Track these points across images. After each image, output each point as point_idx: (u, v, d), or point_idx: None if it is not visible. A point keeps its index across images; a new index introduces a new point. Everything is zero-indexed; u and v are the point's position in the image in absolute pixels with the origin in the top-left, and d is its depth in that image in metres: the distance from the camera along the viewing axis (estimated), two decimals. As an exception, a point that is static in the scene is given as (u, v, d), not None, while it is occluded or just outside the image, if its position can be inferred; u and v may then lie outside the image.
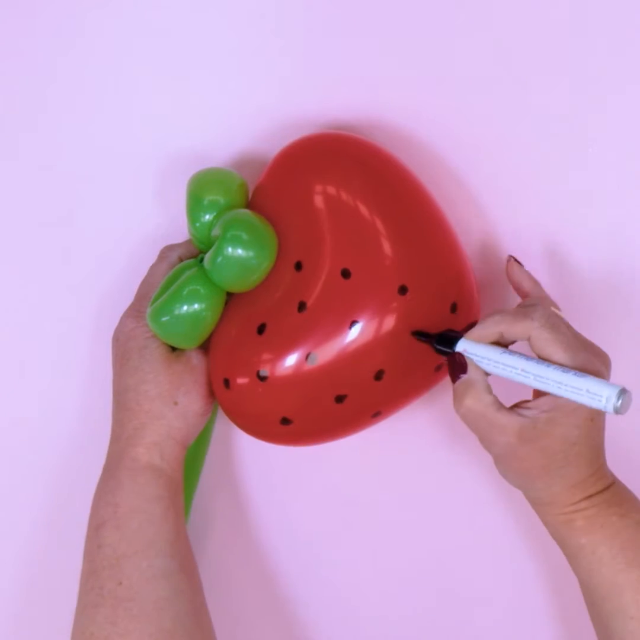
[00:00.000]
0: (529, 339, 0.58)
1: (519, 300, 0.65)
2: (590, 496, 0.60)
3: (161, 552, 0.63)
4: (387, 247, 0.62)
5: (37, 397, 0.74)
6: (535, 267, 0.65)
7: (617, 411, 0.55)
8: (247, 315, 0.64)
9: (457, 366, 0.60)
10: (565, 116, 0.68)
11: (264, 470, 0.73)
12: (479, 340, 0.60)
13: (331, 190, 0.63)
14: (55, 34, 0.70)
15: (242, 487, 0.73)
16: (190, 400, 0.66)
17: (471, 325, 0.61)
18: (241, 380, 0.63)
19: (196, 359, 0.67)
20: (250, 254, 0.63)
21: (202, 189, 0.66)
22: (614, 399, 0.54)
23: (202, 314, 0.64)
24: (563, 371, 0.56)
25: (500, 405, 0.59)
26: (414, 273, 0.62)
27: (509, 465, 0.60)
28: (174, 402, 0.65)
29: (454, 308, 0.63)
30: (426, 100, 0.69)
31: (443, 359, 0.63)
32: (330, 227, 0.63)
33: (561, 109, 0.68)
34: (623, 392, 0.55)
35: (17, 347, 0.74)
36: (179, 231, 0.70)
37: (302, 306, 0.62)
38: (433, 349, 0.62)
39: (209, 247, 0.65)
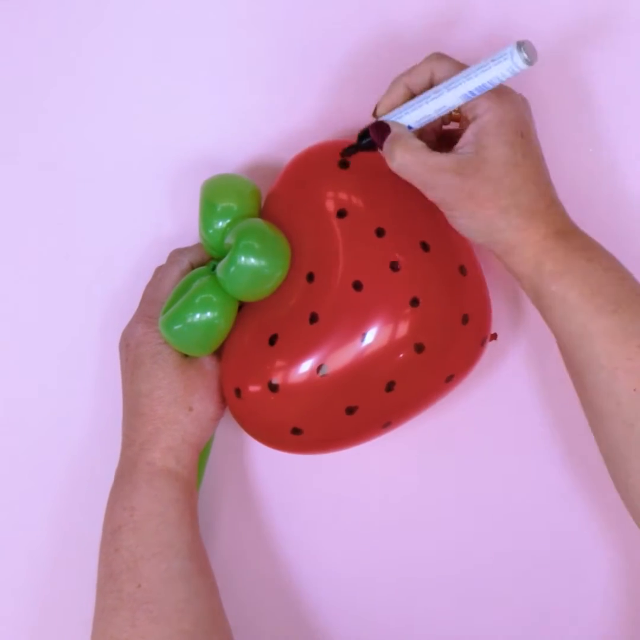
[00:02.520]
0: (432, 76, 0.60)
1: (530, 307, 0.65)
2: (556, 233, 0.59)
3: (179, 554, 0.63)
4: (399, 258, 0.62)
5: (45, 402, 0.74)
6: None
7: (528, 61, 0.55)
8: (259, 325, 0.64)
9: (379, 132, 0.61)
10: (566, 114, 0.68)
11: (269, 470, 0.73)
12: (390, 108, 0.61)
13: (344, 201, 0.63)
14: (64, 36, 0.71)
15: (246, 486, 0.73)
16: (204, 406, 0.66)
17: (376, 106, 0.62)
18: (252, 390, 0.64)
19: (209, 365, 0.67)
20: (263, 263, 0.63)
21: (215, 195, 0.66)
22: (515, 50, 0.55)
23: (215, 322, 0.64)
24: (467, 69, 0.58)
25: (430, 148, 0.59)
26: (425, 285, 0.62)
27: (463, 208, 0.59)
28: (189, 407, 0.66)
29: (465, 319, 0.63)
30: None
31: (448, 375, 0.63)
32: (342, 237, 0.63)
33: (562, 106, 0.68)
34: (522, 42, 0.55)
35: (23, 351, 0.74)
36: (190, 235, 0.70)
37: (314, 318, 0.62)
38: (363, 149, 0.63)
39: (221, 254, 0.65)
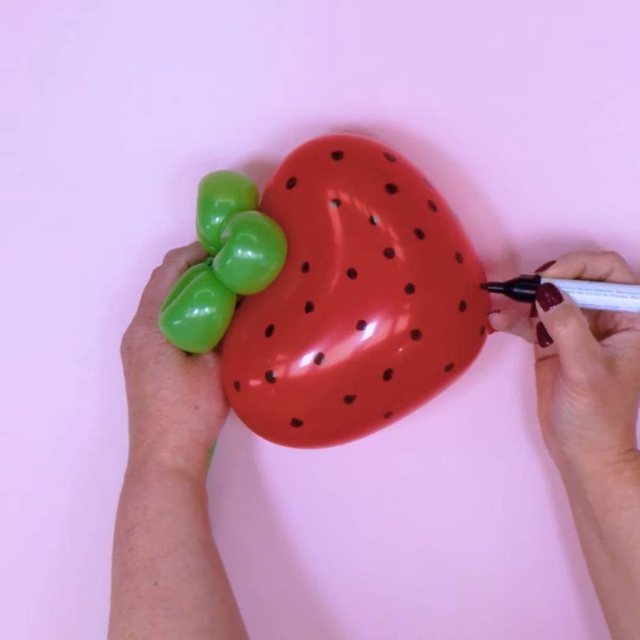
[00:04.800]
0: (611, 271, 0.62)
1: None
2: (635, 448, 0.63)
3: (194, 551, 0.63)
4: (393, 245, 0.62)
5: (47, 406, 0.74)
6: (542, 260, 0.65)
7: None
8: (256, 317, 0.64)
9: (550, 296, 0.61)
10: (566, 113, 0.69)
11: (273, 467, 0.73)
12: (560, 277, 0.62)
13: (338, 191, 0.63)
14: (62, 34, 0.71)
15: (251, 484, 0.73)
16: (210, 404, 0.66)
17: (546, 265, 0.63)
18: (251, 382, 0.64)
19: (212, 363, 0.67)
20: (260, 255, 0.63)
21: (212, 191, 0.66)
22: None
23: (213, 317, 0.64)
24: None
25: None
26: (421, 271, 0.62)
27: (590, 397, 0.61)
28: (195, 406, 0.66)
29: (463, 306, 0.63)
30: (435, 100, 0.69)
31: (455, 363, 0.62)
32: (337, 227, 0.63)
33: (563, 106, 0.68)
34: None
35: (23, 353, 0.74)
36: (188, 234, 0.70)
37: (309, 307, 0.62)
38: (510, 296, 0.63)
39: (219, 249, 0.65)
